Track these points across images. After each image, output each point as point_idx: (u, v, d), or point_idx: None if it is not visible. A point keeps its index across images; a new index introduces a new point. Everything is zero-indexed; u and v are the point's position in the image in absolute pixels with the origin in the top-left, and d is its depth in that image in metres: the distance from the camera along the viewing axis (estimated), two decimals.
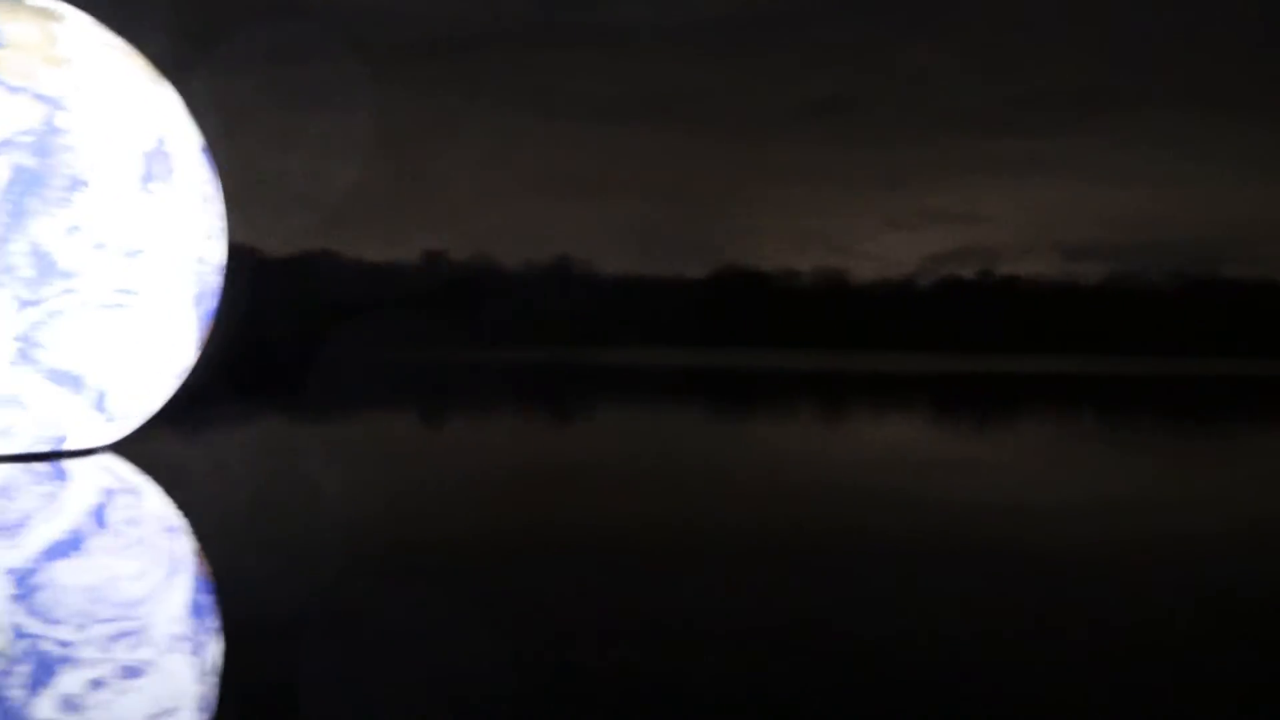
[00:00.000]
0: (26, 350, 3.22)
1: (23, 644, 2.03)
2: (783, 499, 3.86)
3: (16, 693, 1.82)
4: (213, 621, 2.28)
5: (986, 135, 16.24)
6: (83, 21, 3.56)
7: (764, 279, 14.82)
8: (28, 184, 3.17)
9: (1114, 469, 5.05)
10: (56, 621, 2.14)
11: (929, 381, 11.49)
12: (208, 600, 2.43)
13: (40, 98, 3.25)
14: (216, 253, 3.75)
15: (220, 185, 3.81)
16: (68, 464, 3.54)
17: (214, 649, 2.10)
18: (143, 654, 2.03)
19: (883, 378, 11.69)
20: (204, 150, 3.74)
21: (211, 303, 3.79)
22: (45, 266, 3.19)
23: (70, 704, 1.80)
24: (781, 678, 1.97)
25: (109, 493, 3.31)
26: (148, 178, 3.40)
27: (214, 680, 1.96)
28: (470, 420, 6.59)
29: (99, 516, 3.01)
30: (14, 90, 3.23)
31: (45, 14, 3.45)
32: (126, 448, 3.88)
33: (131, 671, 1.94)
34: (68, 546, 2.72)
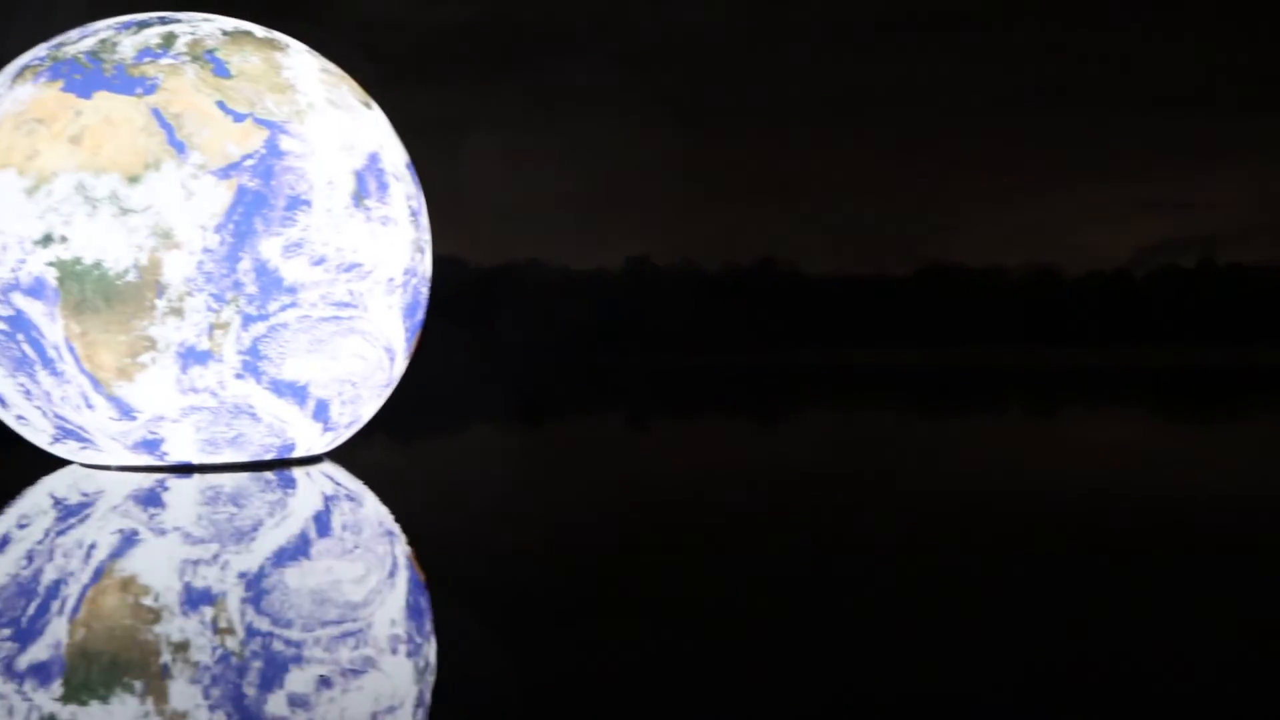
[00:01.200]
0: (253, 363, 3.38)
1: (255, 644, 2.13)
2: (1000, 499, 3.77)
3: (250, 690, 1.91)
4: (429, 624, 2.34)
5: (1199, 116, 15.49)
6: (302, 50, 3.73)
7: (970, 275, 14.46)
8: (252, 205, 3.34)
9: None
10: (286, 623, 2.24)
11: (1149, 375, 11.04)
12: (425, 603, 2.50)
13: (263, 122, 3.42)
14: (425, 265, 3.87)
15: (426, 199, 3.94)
16: (292, 471, 3.70)
17: (431, 650, 2.17)
18: (365, 654, 2.11)
19: (1098, 372, 11.27)
20: (410, 166, 3.87)
21: (421, 313, 3.91)
22: (269, 283, 3.34)
23: (299, 702, 1.88)
24: (1031, 682, 1.93)
25: (330, 499, 3.45)
26: (361, 195, 3.53)
27: (431, 681, 2.02)
28: (678, 424, 6.61)
29: (322, 522, 3.14)
30: (239, 117, 3.40)
31: (270, 44, 3.63)
32: (345, 455, 4.03)
33: (354, 671, 2.02)
34: (294, 551, 2.84)
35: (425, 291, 3.90)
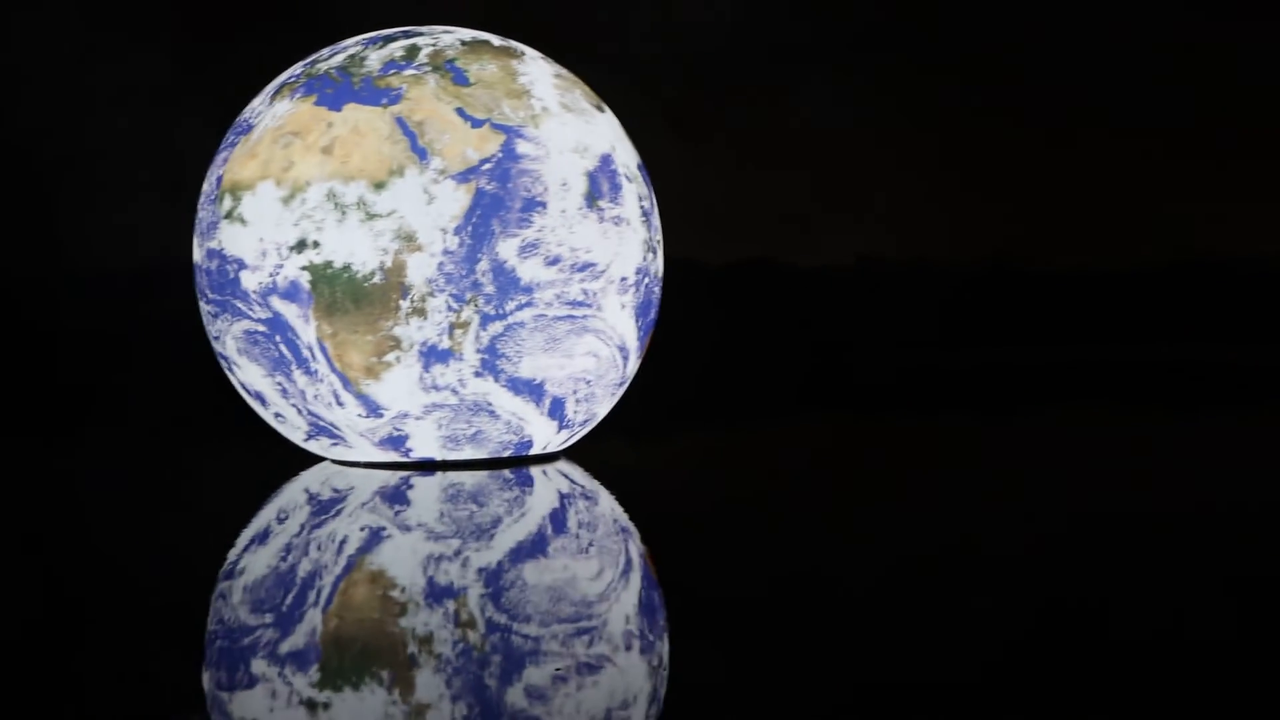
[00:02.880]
0: (491, 361, 3.48)
1: (494, 639, 2.19)
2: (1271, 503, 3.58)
3: (491, 683, 1.96)
4: (664, 621, 2.36)
5: None
6: (536, 55, 3.82)
7: (1227, 267, 13.73)
8: (489, 207, 3.43)
9: None
10: (524, 619, 2.30)
11: None
12: (659, 600, 2.52)
13: (499, 127, 3.51)
14: (657, 264, 3.90)
15: (656, 200, 3.97)
16: (529, 469, 3.79)
17: (664, 647, 2.19)
18: (600, 650, 2.14)
19: None
20: (642, 167, 3.91)
21: (654, 313, 3.95)
22: (506, 283, 3.44)
23: (536, 695, 1.92)
24: None
25: (566, 497, 3.52)
26: (594, 196, 3.59)
27: (665, 676, 2.03)
28: (914, 423, 6.48)
29: (558, 519, 3.21)
30: (477, 123, 3.51)
31: (506, 52, 3.73)
32: (580, 453, 4.10)
33: (590, 667, 2.05)
34: (532, 548, 2.91)
35: (657, 291, 3.93)
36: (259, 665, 2.06)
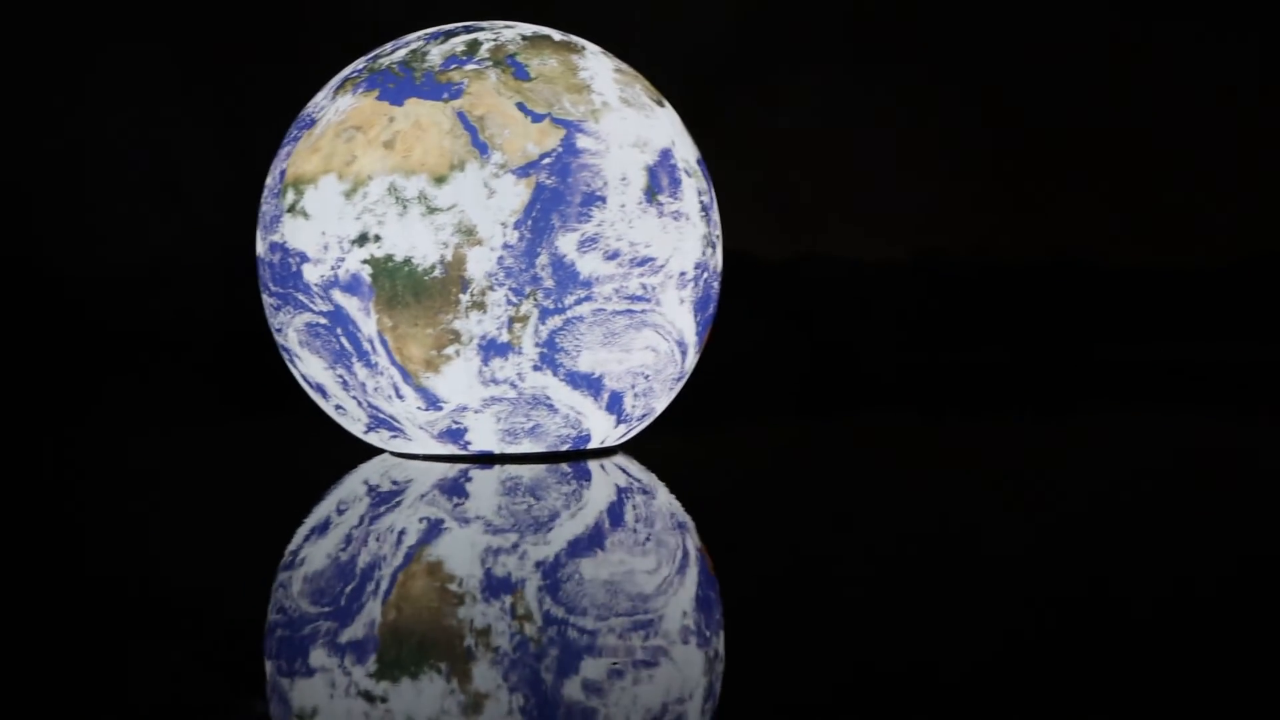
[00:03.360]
0: (550, 355, 3.49)
1: (550, 631, 2.20)
2: None
3: (546, 676, 1.97)
4: (720, 616, 2.36)
5: None
6: (596, 50, 3.83)
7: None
8: (550, 201, 3.45)
9: None
10: (580, 612, 2.30)
11: None
12: (715, 595, 2.52)
13: (560, 122, 3.52)
14: (716, 259, 3.90)
15: (716, 194, 3.97)
16: (587, 463, 3.80)
17: (721, 642, 2.18)
18: (656, 644, 2.14)
19: None
20: (701, 162, 3.90)
21: (713, 308, 3.94)
22: (565, 277, 3.45)
23: (592, 688, 1.93)
24: None
25: (623, 491, 3.52)
26: (654, 190, 3.59)
27: (720, 670, 2.03)
28: (971, 419, 6.43)
29: (616, 513, 3.22)
30: (538, 118, 3.52)
31: (567, 47, 3.74)
32: (637, 448, 4.11)
33: (646, 662, 2.05)
34: (589, 542, 2.92)
35: (716, 286, 3.93)
36: (318, 655, 2.08)
